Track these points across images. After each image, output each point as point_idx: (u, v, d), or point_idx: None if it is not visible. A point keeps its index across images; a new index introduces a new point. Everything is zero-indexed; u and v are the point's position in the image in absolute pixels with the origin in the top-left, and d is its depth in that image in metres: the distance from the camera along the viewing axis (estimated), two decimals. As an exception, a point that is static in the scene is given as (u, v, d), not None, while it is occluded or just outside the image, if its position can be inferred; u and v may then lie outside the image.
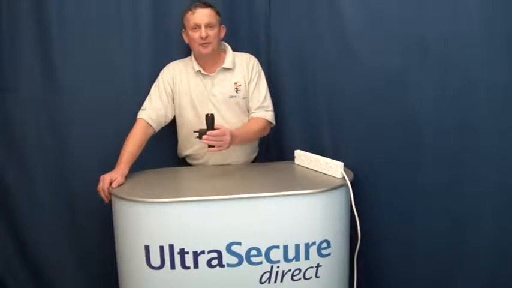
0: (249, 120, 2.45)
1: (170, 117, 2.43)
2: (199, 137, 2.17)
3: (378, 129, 2.19)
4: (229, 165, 2.47)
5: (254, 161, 2.59)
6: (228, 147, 2.22)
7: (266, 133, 2.50)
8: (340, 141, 2.36)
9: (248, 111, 2.47)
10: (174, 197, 1.96)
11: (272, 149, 2.73)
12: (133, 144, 2.26)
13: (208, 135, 2.15)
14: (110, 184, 2.11)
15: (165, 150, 2.56)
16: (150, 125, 2.35)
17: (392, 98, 2.12)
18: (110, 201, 2.11)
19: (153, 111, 2.37)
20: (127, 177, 2.20)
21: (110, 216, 2.11)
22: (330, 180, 2.13)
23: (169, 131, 2.49)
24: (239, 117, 2.45)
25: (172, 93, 2.42)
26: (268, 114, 2.45)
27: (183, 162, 2.56)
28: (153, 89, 2.42)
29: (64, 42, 2.41)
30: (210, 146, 2.19)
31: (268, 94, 2.47)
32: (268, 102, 2.46)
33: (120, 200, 2.01)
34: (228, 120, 2.41)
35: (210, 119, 2.17)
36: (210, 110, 2.29)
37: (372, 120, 2.21)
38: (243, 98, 2.44)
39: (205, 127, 2.18)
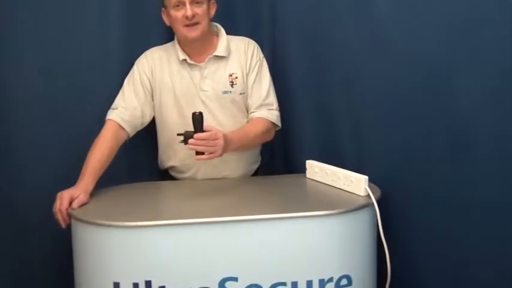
0: (248, 121, 2.45)
1: (148, 119, 2.43)
2: (184, 142, 2.15)
3: (414, 134, 2.18)
4: (223, 179, 2.47)
5: (255, 174, 2.59)
6: (221, 155, 2.20)
7: (270, 138, 2.50)
8: (364, 149, 2.36)
9: (247, 111, 2.47)
10: (153, 220, 1.94)
11: (278, 158, 2.73)
12: (100, 152, 2.24)
13: (196, 139, 2.12)
14: (70, 204, 2.08)
15: (141, 160, 2.56)
16: (123, 128, 2.34)
17: (434, 95, 2.11)
18: (69, 225, 2.07)
19: (126, 111, 2.36)
20: (92, 194, 2.18)
21: (69, 245, 2.08)
22: (351, 198, 2.13)
23: (148, 135, 2.49)
24: (235, 118, 2.44)
25: (151, 88, 2.42)
26: (273, 114, 2.44)
27: (165, 175, 2.56)
28: (126, 83, 2.41)
29: (5, 23, 2.35)
30: (198, 153, 2.17)
31: (272, 89, 2.47)
32: (272, 99, 2.46)
33: (82, 224, 1.99)
34: (221, 121, 2.40)
35: (197, 119, 2.15)
36: (199, 109, 2.25)
37: (406, 122, 2.20)
38: (241, 94, 2.44)
39: (191, 129, 2.16)
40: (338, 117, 2.45)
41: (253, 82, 2.43)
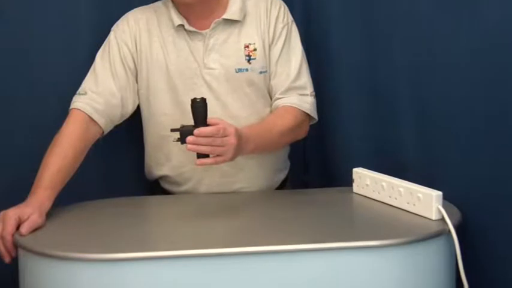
0: (271, 111, 2.44)
1: (131, 109, 2.42)
2: (181, 140, 2.11)
3: (507, 134, 2.12)
4: (236, 194, 2.45)
5: (281, 187, 2.58)
6: (232, 159, 2.16)
7: (302, 135, 2.49)
8: (435, 154, 2.33)
9: (270, 97, 2.46)
10: (137, 251, 1.89)
11: (313, 164, 2.80)
12: (62, 155, 2.21)
13: (197, 136, 2.07)
14: (18, 228, 2.02)
15: (121, 167, 2.60)
16: (95, 122, 2.31)
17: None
18: (15, 259, 2.02)
19: (99, 97, 2.34)
20: (49, 214, 2.12)
21: (14, 286, 2.03)
22: (418, 223, 2.07)
23: (130, 132, 2.52)
24: (253, 107, 2.42)
25: (135, 65, 2.41)
26: (306, 101, 2.42)
27: (154, 188, 2.57)
28: (99, 57, 2.41)
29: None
30: (199, 155, 2.13)
31: (305, 66, 2.46)
32: (306, 80, 2.45)
33: (34, 256, 1.92)
34: (233, 111, 2.39)
35: (199, 107, 2.12)
36: (202, 95, 2.21)
37: (495, 119, 2.14)
38: (261, 73, 2.42)
39: (191, 122, 2.13)
40: (399, 107, 2.43)
41: (279, 56, 2.41)
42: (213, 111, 2.20)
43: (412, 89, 2.38)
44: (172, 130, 2.14)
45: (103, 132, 2.33)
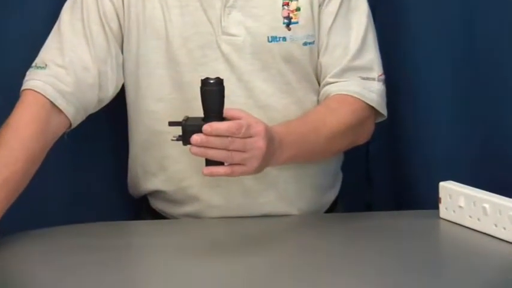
0: (319, 102, 2.34)
1: (112, 91, 2.31)
2: (184, 139, 2.00)
3: None
4: (264, 219, 2.35)
5: (331, 210, 2.49)
6: (258, 171, 2.05)
7: (364, 138, 2.42)
8: None
9: (318, 81, 2.33)
10: None
11: (378, 178, 2.78)
12: (10, 158, 2.11)
13: (207, 134, 1.96)
14: None
15: (96, 176, 2.60)
16: (59, 109, 2.19)
17: None
18: None
19: (66, 73, 2.22)
20: None
21: None
22: None
23: (110, 124, 2.53)
24: (292, 95, 2.31)
25: (120, 26, 2.32)
26: (371, 89, 2.32)
27: (142, 208, 2.52)
28: (66, 13, 2.31)
29: None
30: (208, 162, 2.00)
31: (371, 38, 2.37)
32: (372, 58, 2.36)
33: None
34: (262, 100, 2.28)
35: (212, 92, 2.02)
36: (218, 73, 2.07)
37: None
38: (306, 44, 2.30)
39: (199, 114, 2.03)
40: (506, 92, 2.44)
41: (334, 21, 2.30)
42: (233, 99, 2.10)
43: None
44: (171, 124, 2.03)
45: (70, 124, 2.19)
